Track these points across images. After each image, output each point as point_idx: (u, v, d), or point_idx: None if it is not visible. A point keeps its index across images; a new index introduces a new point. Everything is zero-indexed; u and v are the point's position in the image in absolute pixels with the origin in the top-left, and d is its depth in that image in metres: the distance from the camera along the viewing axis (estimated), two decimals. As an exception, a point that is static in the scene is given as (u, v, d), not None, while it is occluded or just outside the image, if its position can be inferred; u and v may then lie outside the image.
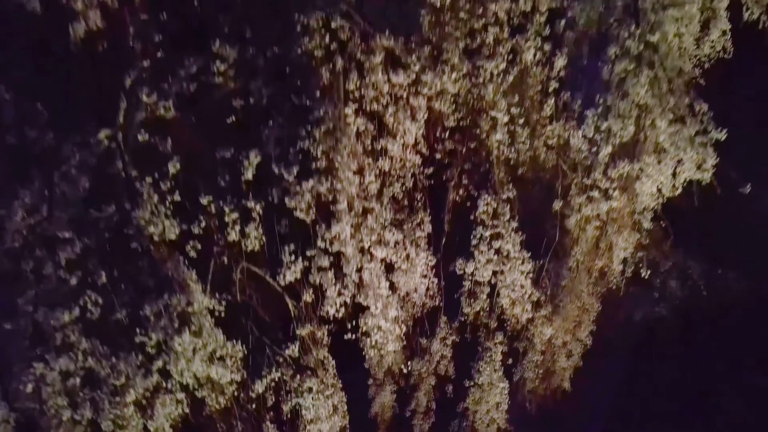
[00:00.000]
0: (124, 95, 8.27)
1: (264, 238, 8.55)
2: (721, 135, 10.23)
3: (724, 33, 10.43)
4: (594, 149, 10.58)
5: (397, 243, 9.30)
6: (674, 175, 10.78)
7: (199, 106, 8.35)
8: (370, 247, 9.22)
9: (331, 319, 9.11)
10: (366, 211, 8.97)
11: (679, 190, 10.93)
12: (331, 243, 8.65)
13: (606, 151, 10.47)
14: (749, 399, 13.68)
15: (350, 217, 8.64)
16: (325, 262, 8.70)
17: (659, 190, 10.86)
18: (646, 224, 11.50)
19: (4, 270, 8.62)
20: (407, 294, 11.03)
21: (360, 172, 8.86)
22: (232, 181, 8.28)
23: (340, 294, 8.93)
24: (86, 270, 7.69)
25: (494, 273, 11.18)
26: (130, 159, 8.00)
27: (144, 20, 8.35)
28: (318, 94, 8.48)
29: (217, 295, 8.44)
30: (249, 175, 8.17)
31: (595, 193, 10.83)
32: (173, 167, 8.21)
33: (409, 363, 11.42)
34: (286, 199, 8.16)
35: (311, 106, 8.27)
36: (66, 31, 7.72)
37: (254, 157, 8.06)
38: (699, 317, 14.55)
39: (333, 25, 9.03)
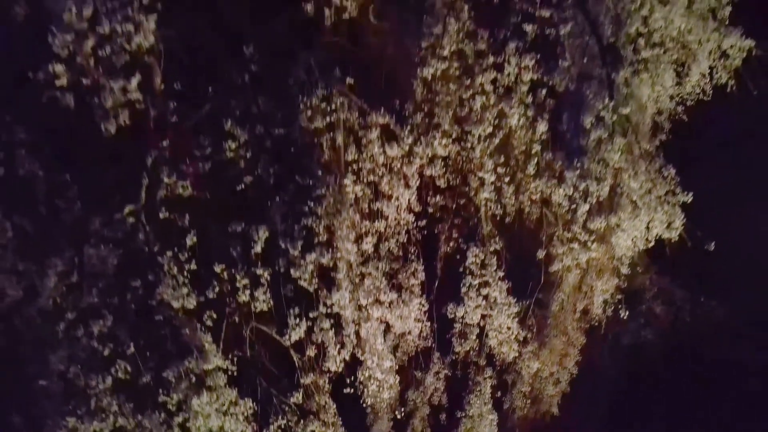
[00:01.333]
0: (146, 174, 9.54)
1: (272, 301, 9.80)
2: (688, 198, 11.44)
3: (703, 76, 11.62)
4: (573, 206, 11.77)
5: (392, 302, 10.55)
6: (648, 229, 11.93)
7: (213, 184, 9.58)
8: (367, 306, 10.48)
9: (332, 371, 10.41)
10: (363, 276, 10.22)
11: (653, 243, 12.12)
12: (332, 306, 9.93)
13: (584, 208, 11.74)
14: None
15: (349, 283, 9.91)
16: (326, 324, 9.98)
17: (634, 242, 12.04)
18: (624, 270, 12.76)
19: (37, 328, 9.91)
20: (402, 335, 12.25)
21: (358, 240, 10.11)
22: (243, 252, 9.55)
23: (339, 352, 10.20)
24: (117, 341, 8.98)
25: (483, 316, 12.40)
26: (152, 234, 9.25)
27: (163, 106, 9.57)
28: (320, 172, 9.71)
29: (229, 355, 9.70)
30: (258, 248, 9.46)
31: (575, 245, 12.03)
32: (190, 240, 9.50)
33: (405, 393, 12.60)
34: (291, 270, 9.43)
35: (314, 185, 9.54)
36: (96, 125, 8.95)
37: (263, 233, 9.32)
38: (685, 342, 15.49)
39: (333, 106, 10.21)
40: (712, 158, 13.46)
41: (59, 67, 8.88)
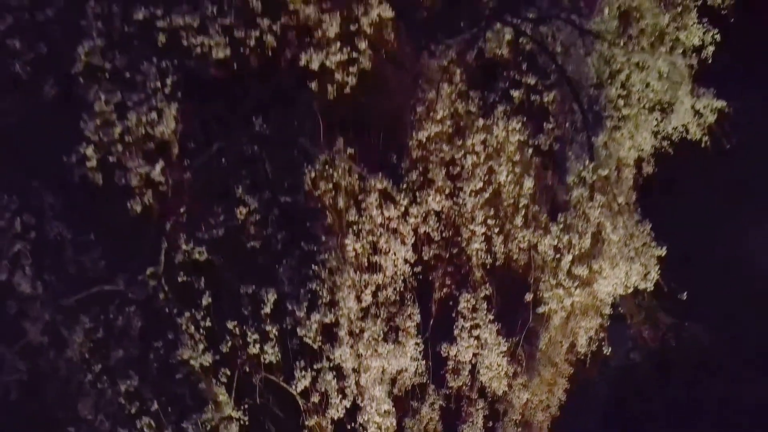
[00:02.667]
0: (165, 238, 10.95)
1: (279, 354, 11.24)
2: (662, 252, 12.82)
3: (678, 133, 13.10)
4: (558, 256, 13.16)
5: (389, 353, 11.96)
6: (626, 276, 13.34)
7: (225, 248, 11.00)
8: (366, 357, 11.91)
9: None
10: (363, 330, 11.65)
11: (631, 290, 13.53)
12: (334, 360, 11.37)
13: (568, 258, 13.10)
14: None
15: (349, 338, 11.33)
16: (329, 375, 11.40)
17: (615, 288, 13.46)
18: (606, 311, 14.13)
19: (63, 376, 11.34)
20: (399, 372, 13.68)
21: (358, 297, 11.52)
22: (254, 311, 10.98)
23: (341, 401, 11.64)
24: (142, 400, 10.41)
25: (474, 355, 13.78)
26: (172, 295, 10.67)
27: (180, 175, 10.96)
28: (323, 237, 11.11)
29: (242, 405, 11.14)
30: (268, 309, 10.88)
31: (560, 290, 13.41)
32: (205, 300, 10.92)
33: (402, 421, 14.01)
34: (297, 329, 10.85)
35: (317, 250, 10.94)
36: (123, 202, 10.36)
37: (271, 296, 10.74)
38: (673, 365, 16.88)
39: (334, 173, 11.61)
40: (692, 185, 14.75)
41: (90, 151, 10.17)
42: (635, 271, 12.74)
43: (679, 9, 13.88)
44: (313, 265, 10.76)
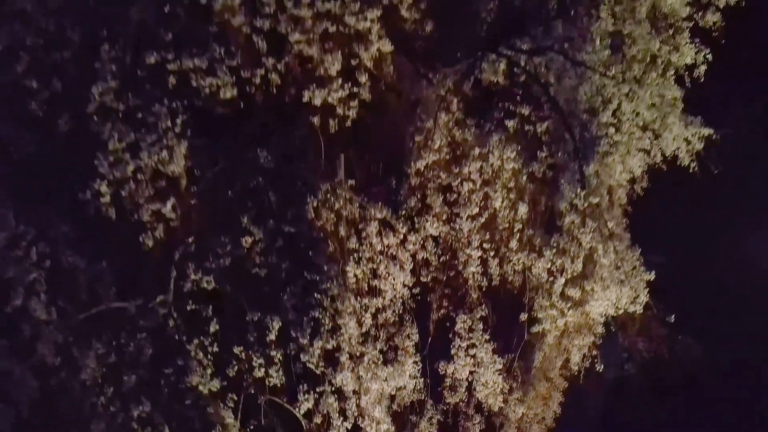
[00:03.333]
0: (174, 267, 11.70)
1: (284, 378, 11.99)
2: (651, 276, 13.56)
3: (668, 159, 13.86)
4: (551, 278, 13.89)
5: (389, 375, 12.70)
6: (617, 298, 14.08)
7: (232, 277, 11.75)
8: (366, 380, 12.66)
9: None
10: (363, 354, 12.39)
11: (622, 311, 14.26)
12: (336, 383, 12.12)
13: (561, 281, 13.82)
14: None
15: (350, 363, 12.08)
16: (331, 398, 12.15)
17: (606, 309, 14.20)
18: (599, 330, 14.86)
19: (76, 397, 12.08)
20: (398, 389, 14.42)
21: (359, 322, 12.27)
22: (259, 337, 11.73)
23: (342, 422, 12.39)
24: (153, 425, 11.16)
25: (471, 372, 14.50)
26: (181, 322, 11.42)
27: (188, 205, 11.70)
28: (325, 267, 11.85)
29: (247, 428, 11.90)
30: (272, 336, 11.63)
31: (554, 311, 14.14)
32: (213, 327, 11.67)
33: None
34: (301, 354, 11.60)
35: (320, 279, 11.68)
36: (135, 234, 11.11)
37: (276, 323, 11.49)
38: (666, 377, 17.53)
39: (337, 205, 12.35)
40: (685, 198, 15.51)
41: (104, 187, 10.90)
42: (625, 295, 13.39)
43: (671, 32, 14.40)
44: (315, 294, 11.42)
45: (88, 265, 11.64)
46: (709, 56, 14.27)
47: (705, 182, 14.60)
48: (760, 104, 16.67)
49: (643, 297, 13.47)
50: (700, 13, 14.36)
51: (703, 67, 14.31)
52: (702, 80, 14.38)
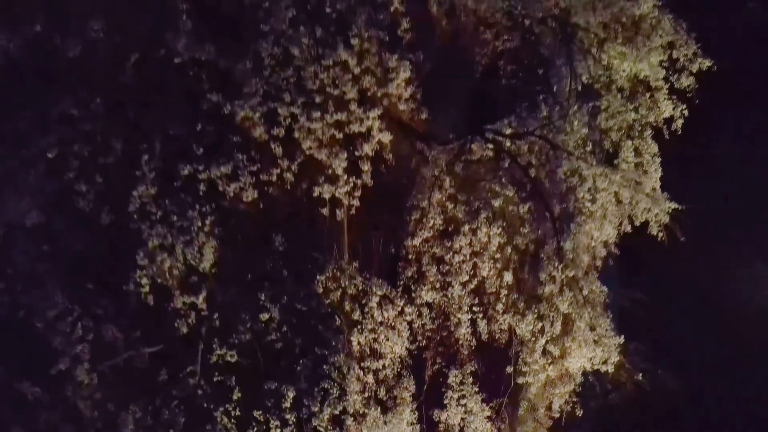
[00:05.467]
0: (201, 341, 14.26)
1: None
2: (620, 340, 16.12)
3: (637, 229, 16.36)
4: (533, 338, 16.44)
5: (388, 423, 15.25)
6: (592, 358, 16.64)
7: (251, 352, 14.31)
8: None
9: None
10: (365, 414, 14.98)
11: (597, 367, 16.81)
12: None
13: (542, 341, 16.36)
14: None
15: (354, 422, 14.67)
16: None
17: (582, 366, 16.76)
18: (578, 379, 17.42)
19: None
20: None
21: (363, 387, 14.85)
22: (275, 403, 14.30)
23: None
24: None
25: (462, 419, 17.06)
26: (209, 390, 13.98)
27: (213, 285, 14.25)
28: (333, 342, 14.40)
29: None
30: (287, 403, 14.20)
31: (536, 367, 16.68)
32: (236, 395, 14.25)
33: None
34: (312, 420, 14.18)
35: (329, 354, 14.25)
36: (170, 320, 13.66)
37: (291, 393, 14.06)
38: (648, 409, 19.79)
39: (343, 283, 14.91)
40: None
41: (144, 279, 13.44)
42: (598, 356, 15.93)
43: (648, 95, 16.81)
44: (324, 366, 13.98)
45: (127, 337, 13.96)
46: (686, 112, 16.52)
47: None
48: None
49: (614, 358, 15.92)
50: (675, 76, 16.54)
51: (680, 121, 16.62)
52: (679, 133, 16.45)
